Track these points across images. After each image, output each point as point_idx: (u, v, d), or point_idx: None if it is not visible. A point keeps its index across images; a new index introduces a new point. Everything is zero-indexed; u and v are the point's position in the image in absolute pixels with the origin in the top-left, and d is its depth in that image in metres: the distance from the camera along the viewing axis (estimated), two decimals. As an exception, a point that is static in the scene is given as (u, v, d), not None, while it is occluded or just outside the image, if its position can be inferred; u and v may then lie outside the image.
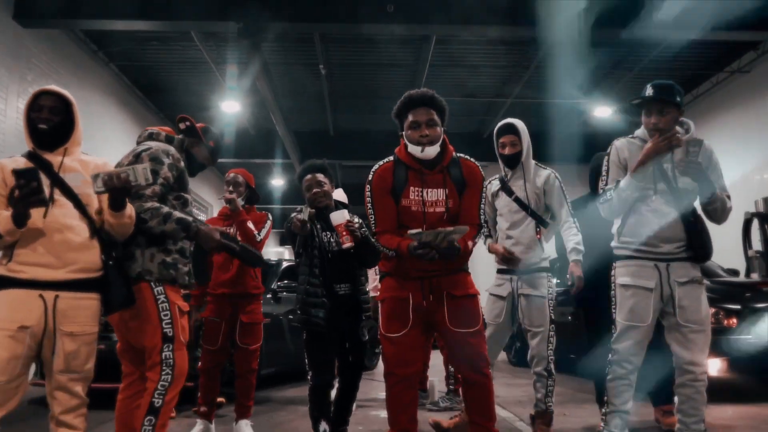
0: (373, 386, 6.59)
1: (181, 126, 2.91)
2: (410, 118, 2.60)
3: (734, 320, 4.84)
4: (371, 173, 2.70)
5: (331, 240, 3.30)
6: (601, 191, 3.03)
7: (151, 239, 2.57)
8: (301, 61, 10.10)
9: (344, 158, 14.08)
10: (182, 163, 2.73)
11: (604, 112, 11.49)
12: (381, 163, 2.71)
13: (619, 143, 3.08)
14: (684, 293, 2.89)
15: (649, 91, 2.93)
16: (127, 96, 10.81)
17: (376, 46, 9.69)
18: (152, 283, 2.53)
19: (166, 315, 2.53)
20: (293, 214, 3.23)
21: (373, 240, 3.37)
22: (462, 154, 2.72)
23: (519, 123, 3.69)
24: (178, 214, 2.55)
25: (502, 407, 4.87)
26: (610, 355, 2.99)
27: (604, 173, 3.06)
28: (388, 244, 2.58)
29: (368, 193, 2.69)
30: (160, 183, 2.57)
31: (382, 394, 6.05)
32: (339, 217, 3.16)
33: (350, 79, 11.01)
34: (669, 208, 2.91)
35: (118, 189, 2.33)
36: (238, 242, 2.77)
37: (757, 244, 9.35)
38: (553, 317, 3.63)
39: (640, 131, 3.04)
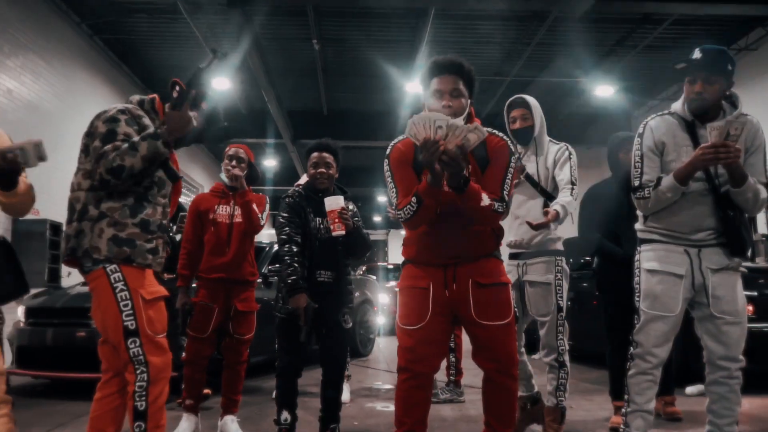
0: (369, 374, 6.35)
1: (174, 94, 2.60)
2: (434, 86, 2.35)
3: (750, 307, 4.59)
4: (390, 147, 2.46)
5: (321, 226, 3.20)
6: (635, 180, 2.72)
7: (102, 213, 2.25)
8: (293, 36, 9.74)
9: (338, 138, 13.56)
10: (147, 121, 2.42)
11: (606, 91, 11.17)
12: (401, 137, 2.47)
13: (653, 123, 2.73)
14: (718, 281, 2.62)
15: (696, 54, 2.61)
16: (114, 72, 10.42)
17: (372, 21, 9.34)
18: (108, 268, 2.23)
19: (126, 305, 2.21)
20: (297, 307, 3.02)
21: (365, 232, 3.25)
22: (489, 129, 2.45)
23: (531, 98, 3.48)
24: (136, 137, 2.25)
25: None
26: (631, 348, 2.73)
27: (637, 159, 2.74)
28: (407, 201, 2.32)
29: (387, 168, 2.45)
30: (120, 140, 2.27)
31: (378, 384, 5.88)
32: (334, 203, 3.04)
33: (345, 55, 10.66)
34: (704, 197, 2.63)
35: (5, 170, 2.09)
36: (191, 85, 2.38)
37: (762, 227, 9.16)
38: (560, 304, 3.38)
39: (677, 105, 2.73)
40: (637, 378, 2.67)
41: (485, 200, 2.23)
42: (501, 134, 2.44)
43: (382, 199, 21.13)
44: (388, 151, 2.45)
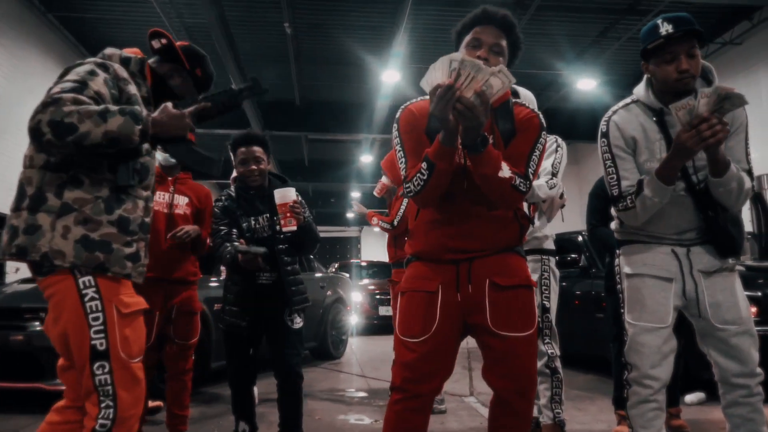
0: (341, 380, 5.89)
1: (155, 44, 2.10)
2: (473, 34, 1.92)
3: (754, 309, 4.26)
4: (400, 110, 2.04)
5: (256, 226, 2.98)
6: (612, 190, 2.28)
7: (66, 205, 1.74)
8: (264, 19, 9.23)
9: (310, 130, 13.27)
10: (133, 89, 1.92)
11: (587, 84, 10.88)
12: (415, 100, 2.05)
13: (618, 117, 2.28)
14: (714, 287, 2.20)
15: (666, 27, 2.13)
16: (70, 53, 9.78)
17: (348, 5, 8.89)
18: (75, 270, 1.73)
19: (96, 319, 1.74)
20: (241, 248, 2.82)
21: (314, 227, 3.05)
22: (518, 100, 2.04)
23: (523, 89, 3.19)
24: (112, 106, 1.73)
25: (482, 404, 4.22)
26: (625, 372, 2.30)
27: (608, 164, 2.28)
28: (416, 169, 1.89)
29: (396, 133, 2.01)
30: (88, 96, 1.74)
31: (351, 391, 5.40)
32: (285, 195, 2.80)
33: (319, 41, 10.19)
34: (683, 197, 2.22)
35: None
36: (215, 99, 1.94)
37: (747, 224, 8.95)
38: (546, 305, 3.12)
39: (640, 91, 2.29)
40: (639, 408, 2.22)
41: (505, 171, 1.80)
42: (531, 107, 2.02)
43: (355, 194, 20.71)
44: (398, 115, 2.02)
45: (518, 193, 1.84)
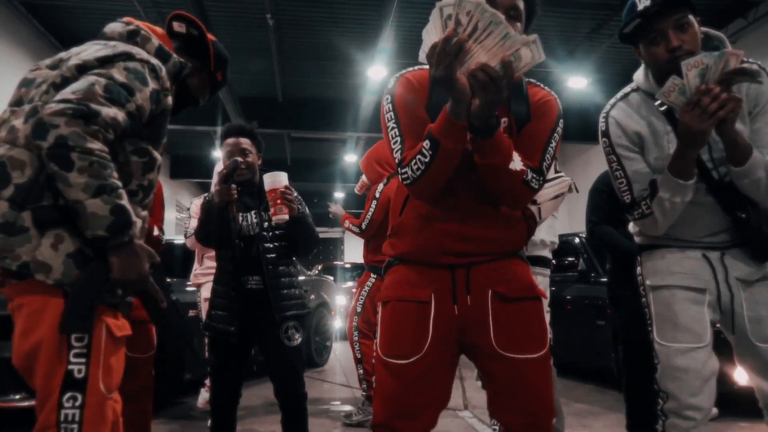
0: (324, 390, 5.54)
1: (177, 28, 1.78)
2: None
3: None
4: (393, 79, 1.65)
5: (243, 224, 2.75)
6: (625, 196, 1.96)
7: (64, 210, 1.39)
8: (245, 9, 8.85)
9: (294, 128, 12.92)
10: (171, 101, 1.60)
11: (578, 83, 10.64)
12: (412, 69, 1.69)
13: (618, 112, 1.98)
14: (755, 299, 1.87)
15: (642, 3, 1.82)
16: (39, 44, 9.31)
17: (333, -3, 8.57)
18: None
19: (79, 339, 1.40)
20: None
21: (311, 222, 2.79)
22: (532, 80, 1.70)
23: None
24: (125, 200, 1.41)
25: (479, 420, 3.89)
26: (660, 401, 1.93)
27: (614, 168, 1.97)
28: (416, 150, 1.53)
29: (389, 106, 1.61)
30: (128, 110, 1.44)
31: (336, 404, 5.04)
32: (276, 180, 2.54)
33: (302, 35, 9.82)
34: (704, 197, 1.89)
35: None
36: (172, 312, 1.72)
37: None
38: None
39: (639, 77, 1.97)
40: None
41: (517, 163, 1.48)
42: (547, 88, 1.70)
43: (339, 195, 20.39)
44: (390, 85, 1.64)
45: (529, 190, 1.53)
